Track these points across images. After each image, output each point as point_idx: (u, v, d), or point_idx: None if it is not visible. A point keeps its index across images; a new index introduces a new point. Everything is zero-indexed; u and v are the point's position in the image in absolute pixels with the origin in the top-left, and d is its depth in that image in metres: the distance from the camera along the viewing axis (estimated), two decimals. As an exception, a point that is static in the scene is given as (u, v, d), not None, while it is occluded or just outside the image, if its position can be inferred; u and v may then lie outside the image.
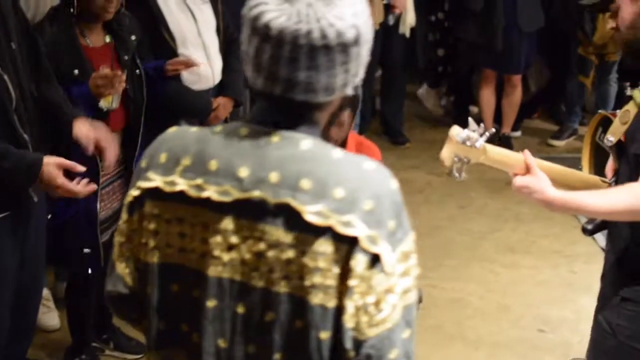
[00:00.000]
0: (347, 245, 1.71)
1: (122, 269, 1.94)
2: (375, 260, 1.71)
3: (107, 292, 1.99)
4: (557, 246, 5.67)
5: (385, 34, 6.68)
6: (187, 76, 4.60)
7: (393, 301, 1.73)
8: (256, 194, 1.74)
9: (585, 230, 3.12)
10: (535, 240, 5.78)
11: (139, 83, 4.15)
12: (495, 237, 5.81)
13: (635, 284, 2.97)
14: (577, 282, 5.22)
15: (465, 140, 2.64)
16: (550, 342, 4.66)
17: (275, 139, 1.77)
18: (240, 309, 1.79)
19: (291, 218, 1.72)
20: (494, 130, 2.64)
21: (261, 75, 1.76)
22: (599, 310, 3.15)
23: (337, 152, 1.77)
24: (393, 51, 6.85)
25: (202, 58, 4.53)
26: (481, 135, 2.66)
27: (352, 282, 1.71)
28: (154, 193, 1.84)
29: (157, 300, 1.87)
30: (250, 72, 1.79)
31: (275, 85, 1.75)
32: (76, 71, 3.85)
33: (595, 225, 3.10)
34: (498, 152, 2.71)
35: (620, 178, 2.99)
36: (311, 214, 1.70)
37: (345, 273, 1.71)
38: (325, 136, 1.85)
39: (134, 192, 1.88)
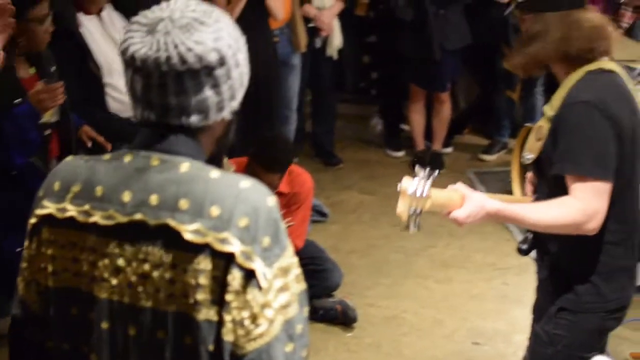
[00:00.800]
0: (224, 261, 1.78)
1: (26, 293, 2.01)
2: (250, 275, 1.78)
3: (12, 315, 2.06)
4: (490, 259, 5.74)
5: (313, 57, 6.74)
6: (113, 104, 4.61)
7: (270, 315, 1.79)
8: (138, 217, 1.83)
9: (520, 251, 3.18)
10: (468, 254, 5.85)
11: (63, 110, 4.18)
12: (429, 253, 5.86)
13: (569, 293, 3.05)
14: (510, 294, 5.29)
15: (417, 191, 2.67)
16: (485, 354, 4.72)
17: (155, 163, 1.85)
18: (132, 330, 1.86)
19: (171, 238, 1.80)
20: (437, 172, 2.66)
21: (139, 105, 1.87)
22: (535, 321, 3.22)
23: (214, 173, 1.85)
24: (321, 74, 6.89)
25: (128, 86, 4.53)
26: (427, 180, 2.69)
27: (228, 297, 1.79)
28: (49, 220, 1.92)
29: (58, 323, 1.95)
30: (131, 103, 1.90)
31: (151, 112, 1.86)
32: (16, 101, 3.92)
33: (530, 244, 3.17)
34: (441, 196, 2.73)
35: (539, 194, 3.06)
36: (189, 232, 1.79)
37: (224, 288, 1.78)
38: (218, 163, 1.93)
39: (31, 220, 1.96)
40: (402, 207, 2.70)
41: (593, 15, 2.99)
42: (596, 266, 3.01)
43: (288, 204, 4.92)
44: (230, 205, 1.79)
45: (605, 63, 2.97)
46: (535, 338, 3.18)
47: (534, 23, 2.98)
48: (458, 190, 2.76)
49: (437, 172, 2.73)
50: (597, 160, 2.82)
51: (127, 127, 4.59)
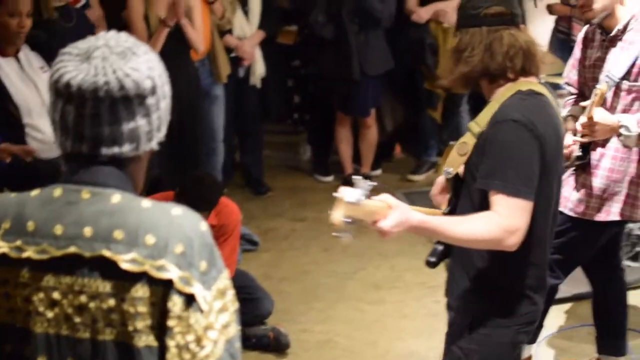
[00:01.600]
0: (162, 288, 1.82)
1: None
2: (191, 300, 1.82)
3: None
4: (421, 278, 5.77)
5: (237, 87, 6.76)
6: (34, 144, 4.59)
7: (214, 337, 1.84)
8: (72, 249, 1.84)
9: (429, 263, 3.18)
10: (399, 274, 5.90)
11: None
12: (360, 276, 5.90)
13: (482, 309, 3.10)
14: (442, 312, 5.24)
15: (352, 199, 2.67)
16: (419, 373, 4.76)
17: (86, 196, 1.88)
18: None
19: (107, 268, 1.83)
20: (375, 183, 2.69)
21: (69, 137, 1.88)
22: (449, 336, 3.26)
23: (146, 202, 1.89)
24: (246, 103, 6.90)
25: (47, 126, 4.51)
26: (363, 189, 2.70)
27: (170, 323, 1.82)
28: None
29: None
30: (58, 137, 1.90)
31: (82, 143, 1.87)
32: None
33: (438, 257, 3.20)
34: (370, 204, 2.74)
35: (459, 209, 3.10)
36: (126, 262, 1.82)
37: (164, 314, 1.82)
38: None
39: None
40: (337, 215, 2.69)
41: (520, 34, 3.03)
42: (511, 282, 3.07)
43: (216, 235, 4.88)
44: (164, 233, 1.83)
45: (536, 85, 3.03)
46: (449, 355, 3.22)
47: (461, 39, 3.04)
48: (385, 200, 2.78)
49: (374, 182, 2.75)
50: (523, 179, 2.87)
51: (47, 169, 4.57)
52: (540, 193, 2.93)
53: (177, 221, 1.86)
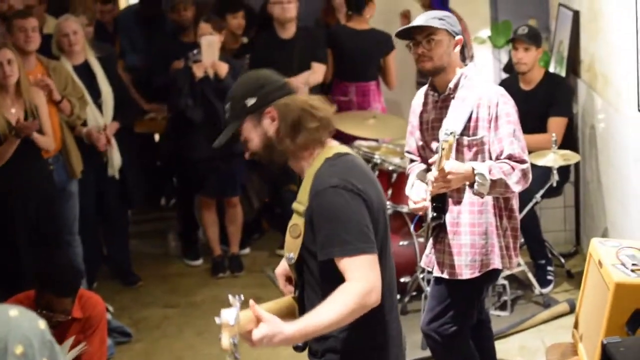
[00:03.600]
0: None
1: None
2: None
3: None
4: (300, 357, 5.78)
5: (97, 178, 6.71)
6: None
7: None
8: None
9: (296, 348, 3.15)
10: (277, 351, 5.88)
11: None
12: (236, 356, 5.87)
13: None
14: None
15: (235, 320, 2.69)
16: None
17: None
18: None
19: None
20: (242, 297, 2.73)
21: None
22: None
23: None
24: (107, 195, 6.87)
25: None
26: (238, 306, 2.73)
27: None
28: None
29: None
30: None
31: None
32: None
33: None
34: (244, 317, 2.75)
35: (307, 290, 3.11)
36: None
37: None
38: None
39: None
40: (226, 340, 2.69)
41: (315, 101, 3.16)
42: (374, 337, 3.12)
43: (83, 329, 4.86)
44: (3, 335, 1.81)
45: (338, 147, 3.13)
46: None
47: (285, 112, 3.10)
48: (259, 314, 2.77)
49: (242, 297, 2.77)
50: (360, 236, 2.92)
51: None
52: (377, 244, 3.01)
53: (15, 322, 1.85)
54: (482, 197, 4.17)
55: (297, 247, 3.05)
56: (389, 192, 6.17)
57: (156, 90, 7.59)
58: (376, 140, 6.57)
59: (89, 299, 4.98)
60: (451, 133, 3.89)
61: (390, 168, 6.20)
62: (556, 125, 6.32)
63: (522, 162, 4.10)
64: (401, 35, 4.28)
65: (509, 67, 7.07)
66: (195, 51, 6.82)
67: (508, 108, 4.17)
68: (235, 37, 7.74)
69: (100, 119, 6.64)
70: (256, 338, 2.72)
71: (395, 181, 6.05)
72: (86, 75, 6.57)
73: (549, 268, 6.41)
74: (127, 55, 8.10)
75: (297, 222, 3.04)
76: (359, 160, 3.15)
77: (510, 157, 4.10)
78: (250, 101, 3.11)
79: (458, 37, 4.22)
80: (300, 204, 3.03)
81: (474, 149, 4.20)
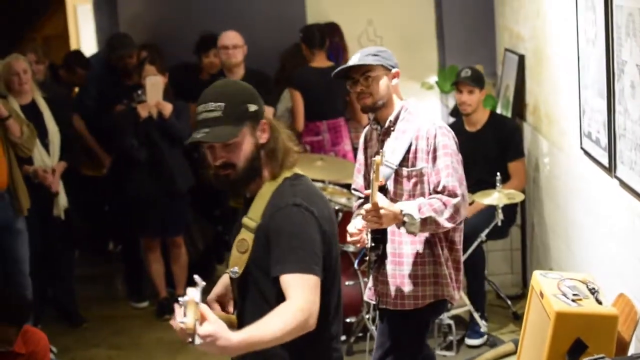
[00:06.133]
0: None
1: None
2: None
3: None
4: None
5: (42, 219, 6.65)
6: None
7: None
8: None
9: None
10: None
11: None
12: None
13: None
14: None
15: (199, 300, 2.64)
16: None
17: None
18: None
19: None
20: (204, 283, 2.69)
21: None
22: None
23: None
24: (50, 235, 6.79)
25: None
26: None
27: None
28: None
29: None
30: None
31: None
32: None
33: None
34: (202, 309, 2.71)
35: (250, 308, 3.09)
36: None
37: None
38: None
39: None
40: (190, 319, 2.61)
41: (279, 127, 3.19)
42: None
43: (26, 364, 4.83)
44: None
45: (296, 169, 3.18)
46: None
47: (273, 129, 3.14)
48: (204, 312, 2.70)
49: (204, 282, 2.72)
50: (312, 258, 2.95)
51: None
52: (328, 270, 3.02)
53: None
54: (414, 235, 4.18)
55: (244, 263, 3.05)
56: (335, 231, 6.16)
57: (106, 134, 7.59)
58: (323, 182, 6.58)
59: (33, 335, 4.95)
60: (380, 153, 3.93)
61: (337, 207, 6.21)
62: (517, 168, 6.46)
63: (454, 195, 4.11)
64: (339, 75, 4.34)
65: (455, 111, 7.15)
66: (139, 92, 6.85)
67: (446, 140, 4.21)
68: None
69: (46, 158, 6.59)
70: (203, 333, 2.64)
71: (341, 220, 6.04)
72: (33, 114, 6.50)
73: (484, 323, 6.30)
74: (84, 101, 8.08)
75: (245, 237, 3.05)
76: (312, 183, 3.22)
77: (444, 190, 4.12)
78: (252, 107, 3.09)
79: (395, 70, 4.29)
80: (252, 220, 3.04)
81: (413, 180, 4.23)
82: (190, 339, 2.63)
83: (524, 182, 6.49)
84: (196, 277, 2.73)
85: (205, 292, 2.79)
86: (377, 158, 3.92)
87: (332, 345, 3.18)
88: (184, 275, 7.32)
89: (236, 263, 3.07)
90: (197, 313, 2.62)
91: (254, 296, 3.10)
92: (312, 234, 3.00)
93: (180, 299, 2.65)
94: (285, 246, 2.96)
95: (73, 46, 11.21)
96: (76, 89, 8.46)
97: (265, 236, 3.01)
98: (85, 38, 11.45)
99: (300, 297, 2.88)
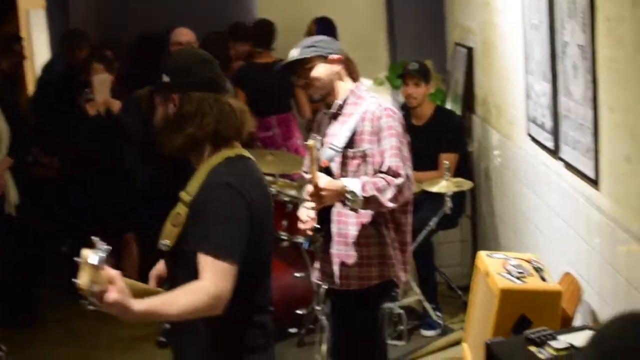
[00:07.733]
0: None
1: None
2: None
3: None
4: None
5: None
6: None
7: None
8: None
9: (159, 344, 3.13)
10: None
11: None
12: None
13: None
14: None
15: (99, 263, 2.56)
16: None
17: None
18: None
19: None
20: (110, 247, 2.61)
21: None
22: None
23: None
24: (0, 232, 6.72)
25: None
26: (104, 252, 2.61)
27: None
28: None
29: None
30: None
31: None
32: None
33: (167, 336, 3.14)
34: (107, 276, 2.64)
35: (178, 281, 3.03)
36: None
37: None
38: None
39: None
40: (84, 280, 2.54)
41: (234, 101, 3.17)
42: (228, 350, 3.10)
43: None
44: None
45: (242, 150, 3.16)
46: None
47: (184, 103, 3.10)
48: (110, 275, 2.65)
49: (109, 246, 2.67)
50: (231, 242, 2.92)
51: None
52: (254, 257, 3.02)
53: None
54: (356, 212, 4.19)
55: (175, 236, 3.03)
56: (284, 223, 6.15)
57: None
58: (273, 175, 6.58)
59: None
60: (314, 138, 3.97)
61: (286, 199, 6.20)
62: (446, 160, 6.42)
63: (398, 175, 4.13)
64: (284, 70, 4.39)
65: (405, 106, 7.18)
66: (87, 90, 6.83)
67: (391, 121, 4.23)
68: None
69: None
70: (111, 300, 2.59)
71: (290, 212, 6.04)
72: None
73: (438, 313, 6.35)
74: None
75: (180, 212, 3.03)
76: (256, 167, 3.19)
77: (388, 170, 4.14)
78: (165, 78, 3.15)
79: (334, 56, 4.33)
80: (188, 194, 3.02)
81: (357, 161, 4.26)
82: (82, 300, 2.59)
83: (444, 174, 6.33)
84: (94, 239, 2.65)
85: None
86: (310, 141, 3.98)
87: (241, 334, 3.10)
88: (134, 273, 7.26)
89: (168, 236, 3.04)
90: (95, 275, 2.55)
91: (184, 269, 3.05)
92: (239, 219, 2.96)
93: (75, 258, 2.60)
94: (209, 223, 2.93)
95: (26, 50, 11.13)
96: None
97: (195, 212, 2.99)
98: (37, 42, 11.38)
99: (212, 280, 2.85)
